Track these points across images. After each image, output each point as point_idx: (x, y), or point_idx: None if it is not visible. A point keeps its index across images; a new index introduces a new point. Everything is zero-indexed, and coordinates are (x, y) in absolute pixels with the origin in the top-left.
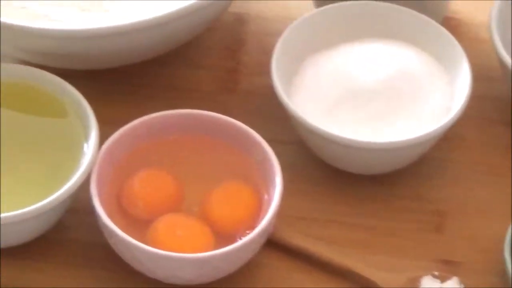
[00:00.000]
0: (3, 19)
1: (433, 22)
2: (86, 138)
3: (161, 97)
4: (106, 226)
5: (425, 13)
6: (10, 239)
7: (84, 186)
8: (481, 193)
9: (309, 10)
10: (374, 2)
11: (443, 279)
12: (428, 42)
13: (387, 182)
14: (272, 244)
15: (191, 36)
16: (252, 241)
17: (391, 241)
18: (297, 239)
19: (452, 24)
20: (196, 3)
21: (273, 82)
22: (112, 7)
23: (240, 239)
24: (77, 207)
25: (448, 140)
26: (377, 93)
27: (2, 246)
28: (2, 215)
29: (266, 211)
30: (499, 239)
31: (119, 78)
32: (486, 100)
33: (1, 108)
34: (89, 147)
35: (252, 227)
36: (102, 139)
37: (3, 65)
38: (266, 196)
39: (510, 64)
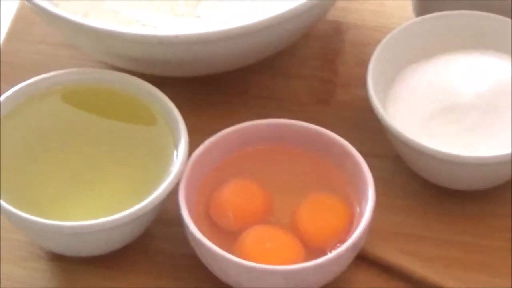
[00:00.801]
0: (96, 24)
1: None
2: (176, 146)
3: (253, 106)
4: (193, 236)
5: None
6: (97, 247)
7: (172, 195)
8: None
9: (409, 19)
10: (475, 12)
11: None
12: None
13: (483, 198)
14: (363, 259)
15: (286, 45)
16: (342, 255)
17: (486, 259)
18: (389, 254)
19: None
20: (291, 10)
21: (369, 93)
22: (204, 12)
23: (330, 252)
24: (165, 217)
25: None
26: (475, 106)
27: (89, 254)
28: (90, 222)
29: (358, 224)
30: None
31: (211, 86)
32: None
33: (92, 114)
34: (178, 155)
35: (343, 241)
36: (192, 147)
37: (95, 70)
38: (358, 209)
39: None
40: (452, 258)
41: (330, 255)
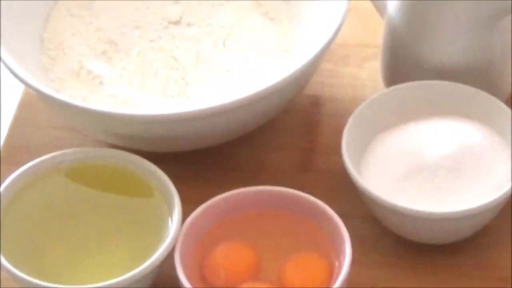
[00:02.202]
0: (95, 107)
1: (495, 99)
2: (171, 215)
3: (240, 176)
4: None
5: (492, 90)
6: None
7: (168, 259)
8: None
9: (381, 90)
10: (440, 82)
11: None
12: (491, 118)
13: (453, 251)
14: None
15: (267, 119)
16: None
17: None
18: None
19: None
20: (269, 87)
21: (344, 160)
22: (193, 93)
23: None
24: (162, 279)
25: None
26: (442, 167)
27: None
28: (92, 285)
29: (337, 278)
30: None
31: (202, 159)
32: None
33: (94, 189)
34: (173, 223)
35: None
36: (185, 215)
37: (96, 149)
38: (337, 264)
39: None
40: None
41: None
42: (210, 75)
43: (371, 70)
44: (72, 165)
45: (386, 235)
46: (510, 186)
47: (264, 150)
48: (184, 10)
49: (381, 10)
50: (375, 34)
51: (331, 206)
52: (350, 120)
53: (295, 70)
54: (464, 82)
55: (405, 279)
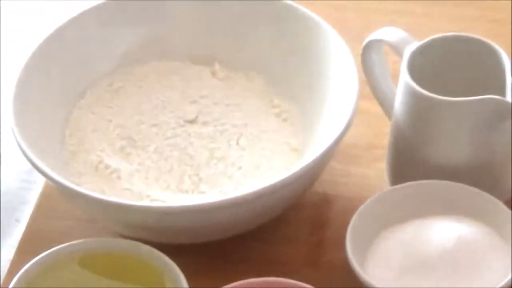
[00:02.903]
0: (112, 199)
1: (495, 199)
2: None
3: (250, 270)
4: None
5: (493, 190)
6: None
7: None
8: None
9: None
10: (442, 182)
11: None
12: (492, 218)
13: None
14: None
15: (277, 214)
16: None
17: None
18: None
19: None
20: (278, 183)
21: (347, 254)
22: (207, 189)
23: None
24: None
25: None
26: (441, 263)
27: None
28: None
29: None
30: None
31: (212, 251)
32: None
33: (104, 278)
34: None
35: None
36: None
37: (107, 239)
38: None
39: None
40: None
41: None
42: (223, 171)
43: (379, 170)
44: (85, 255)
45: None
46: (505, 282)
47: (273, 243)
48: (200, 110)
49: (388, 113)
50: (385, 136)
51: None
52: (355, 217)
53: (302, 167)
54: (466, 182)
55: None
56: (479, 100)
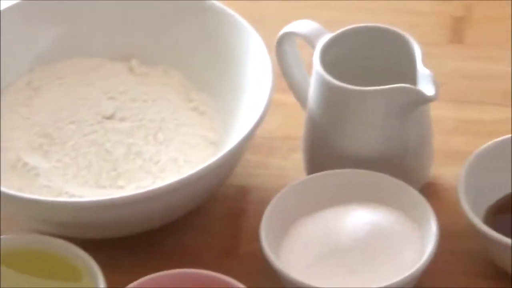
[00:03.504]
0: (30, 196)
1: (408, 186)
2: None
3: (167, 262)
4: None
5: (407, 178)
6: None
7: None
8: None
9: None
10: (356, 170)
11: None
12: (404, 203)
13: None
14: None
15: (194, 206)
16: None
17: None
18: None
19: (433, 189)
20: (192, 175)
21: (262, 244)
22: (125, 184)
23: None
24: None
25: None
26: (355, 250)
27: None
28: None
29: None
30: None
31: (130, 245)
32: (463, 256)
33: (21, 274)
34: None
35: None
36: None
37: (23, 235)
38: None
39: (478, 224)
40: None
41: None
42: (140, 166)
43: (295, 161)
44: (4, 252)
45: None
46: (414, 269)
47: (190, 236)
48: (117, 106)
49: (303, 104)
50: (301, 127)
51: None
52: (269, 207)
53: (216, 159)
54: (381, 170)
55: None
56: (390, 89)
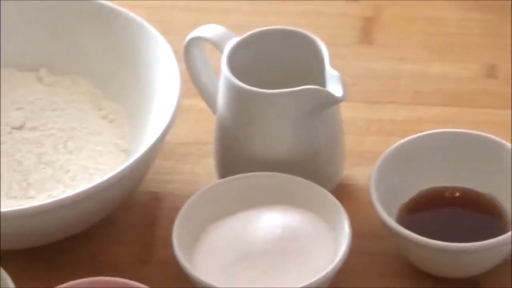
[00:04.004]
0: None
1: (320, 188)
2: None
3: (81, 271)
4: None
5: (319, 179)
6: None
7: None
8: None
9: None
10: (268, 173)
11: None
12: (317, 205)
13: None
14: None
15: (106, 214)
16: None
17: None
18: None
19: (346, 190)
20: (102, 183)
21: (174, 249)
22: (35, 194)
23: None
24: None
25: None
26: (267, 252)
27: None
28: None
29: None
30: None
31: (42, 255)
32: (377, 256)
33: None
34: None
35: None
36: None
37: None
38: None
39: (390, 223)
40: None
41: None
42: (51, 175)
43: (207, 166)
44: None
45: None
46: (328, 270)
47: (104, 244)
48: (26, 116)
49: (213, 108)
50: (212, 132)
51: None
52: (181, 213)
53: (126, 166)
54: (292, 173)
55: None
56: (298, 91)
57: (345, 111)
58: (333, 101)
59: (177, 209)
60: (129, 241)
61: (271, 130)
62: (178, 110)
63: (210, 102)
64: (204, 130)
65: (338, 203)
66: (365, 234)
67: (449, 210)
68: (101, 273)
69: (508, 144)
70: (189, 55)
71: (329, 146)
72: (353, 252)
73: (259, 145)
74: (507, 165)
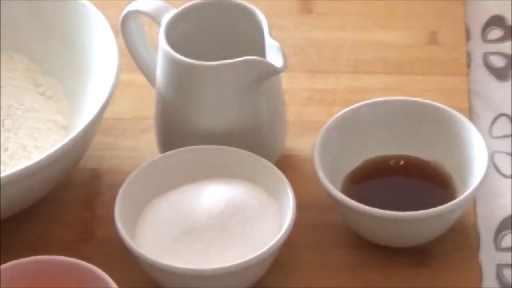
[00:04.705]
0: None
1: (263, 160)
2: None
3: (21, 251)
4: None
5: (263, 151)
6: None
7: None
8: None
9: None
10: (209, 146)
11: None
12: (260, 177)
13: None
14: None
15: (46, 192)
16: None
17: None
18: None
19: (289, 160)
20: (40, 161)
21: (116, 225)
22: None
23: None
24: None
25: (283, 265)
26: (211, 227)
27: None
28: None
29: None
30: None
31: None
32: (321, 227)
33: None
34: None
35: None
36: None
37: None
38: None
39: (335, 193)
40: None
41: None
42: None
43: (149, 141)
44: None
45: None
46: (273, 242)
47: (44, 223)
48: None
49: (152, 83)
50: (153, 107)
51: (111, 274)
52: (123, 188)
53: (65, 143)
54: (234, 145)
55: None
56: (238, 62)
57: (287, 81)
58: (273, 71)
59: (118, 185)
60: (69, 219)
61: (212, 103)
62: (117, 85)
63: (150, 76)
64: (144, 104)
65: (282, 175)
66: (310, 205)
67: (394, 179)
68: (42, 252)
69: (452, 111)
70: (126, 29)
71: (271, 117)
72: (298, 224)
73: (200, 118)
74: (451, 132)
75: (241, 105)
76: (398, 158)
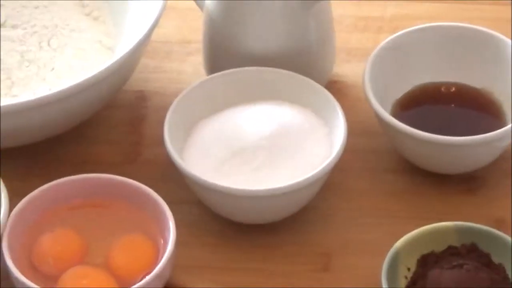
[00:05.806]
0: None
1: (314, 83)
2: None
3: (68, 170)
4: (18, 281)
5: (312, 74)
6: None
7: None
8: (363, 235)
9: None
10: (261, 68)
11: None
12: (310, 100)
13: (278, 229)
14: None
15: (92, 113)
16: (149, 283)
17: (284, 282)
18: (196, 284)
19: (337, 87)
20: (88, 79)
21: (167, 147)
22: (20, 92)
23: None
24: None
25: (333, 189)
26: (261, 148)
27: None
28: None
29: (162, 257)
30: (378, 272)
31: (30, 154)
32: (370, 153)
33: None
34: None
35: (151, 272)
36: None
37: None
38: (163, 243)
39: (387, 118)
40: (254, 282)
41: (138, 284)
42: (35, 73)
43: (194, 64)
44: None
45: (215, 219)
46: (324, 165)
47: (91, 144)
48: (7, 13)
49: (200, 5)
50: (198, 31)
51: (159, 193)
52: (170, 111)
53: (111, 64)
54: (284, 67)
55: (234, 258)
56: None
57: (333, 9)
58: None
59: (164, 108)
60: (116, 141)
61: (262, 25)
62: (164, 8)
63: None
64: (189, 28)
65: (333, 99)
66: (358, 131)
67: (444, 106)
68: (87, 171)
69: (502, 37)
70: None
71: (321, 41)
72: (347, 149)
73: (250, 41)
74: (503, 59)
75: (291, 27)
76: (448, 85)
